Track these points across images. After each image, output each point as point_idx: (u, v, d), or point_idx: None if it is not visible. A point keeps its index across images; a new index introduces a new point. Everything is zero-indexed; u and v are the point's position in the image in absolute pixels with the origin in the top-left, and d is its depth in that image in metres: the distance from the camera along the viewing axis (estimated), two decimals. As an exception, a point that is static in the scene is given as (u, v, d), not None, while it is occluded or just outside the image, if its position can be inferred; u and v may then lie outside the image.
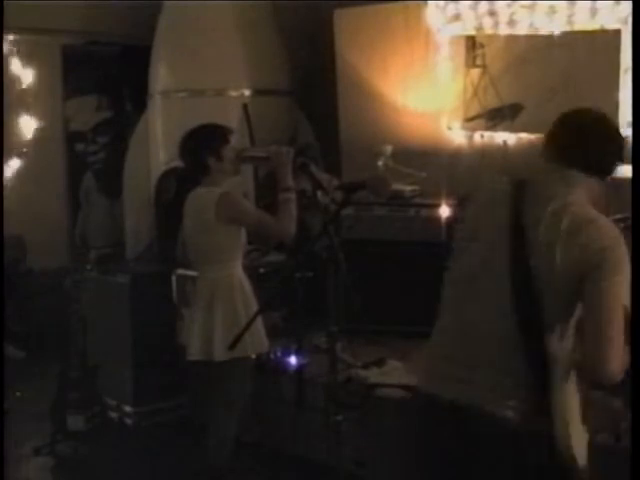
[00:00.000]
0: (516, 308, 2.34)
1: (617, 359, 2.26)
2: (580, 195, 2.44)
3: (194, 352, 3.91)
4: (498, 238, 2.43)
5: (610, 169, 2.55)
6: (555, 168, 2.49)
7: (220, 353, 3.80)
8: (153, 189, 7.01)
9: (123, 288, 5.59)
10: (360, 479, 4.19)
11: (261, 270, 5.31)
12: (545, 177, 2.50)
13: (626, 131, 5.33)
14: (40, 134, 7.73)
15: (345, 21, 6.98)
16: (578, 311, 2.34)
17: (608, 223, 2.38)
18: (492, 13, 6.00)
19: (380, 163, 6.09)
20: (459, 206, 5.83)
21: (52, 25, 7.52)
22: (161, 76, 6.92)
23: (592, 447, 3.91)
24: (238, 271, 3.97)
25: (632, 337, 2.72)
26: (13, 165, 7.61)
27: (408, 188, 5.91)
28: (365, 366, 4.96)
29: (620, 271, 2.27)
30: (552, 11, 5.69)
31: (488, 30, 6.09)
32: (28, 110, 7.67)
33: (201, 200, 3.92)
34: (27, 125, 7.68)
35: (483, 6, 6.04)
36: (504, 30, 5.99)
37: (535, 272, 2.33)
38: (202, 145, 3.98)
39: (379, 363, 5.02)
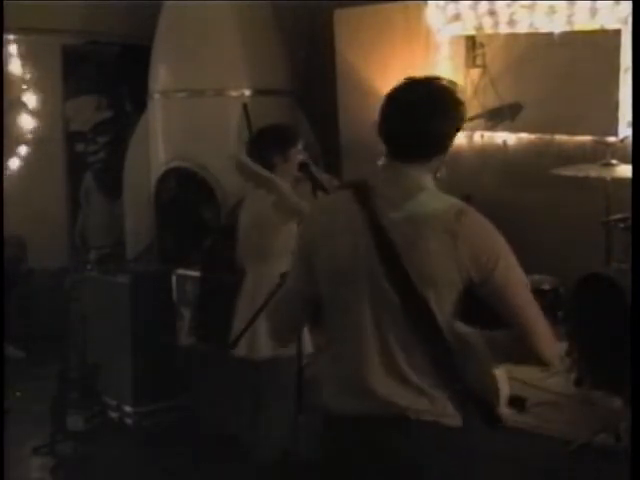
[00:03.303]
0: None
1: None
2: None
3: (238, 348, 3.91)
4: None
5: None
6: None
7: (265, 350, 3.84)
8: (153, 189, 7.01)
9: (123, 288, 5.59)
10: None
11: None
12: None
13: (626, 131, 5.35)
14: (40, 134, 7.74)
15: (345, 21, 6.98)
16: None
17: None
18: (492, 13, 6.00)
19: (380, 163, 6.09)
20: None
21: (52, 25, 7.51)
22: (161, 76, 6.92)
23: (592, 447, 3.94)
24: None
25: (632, 337, 2.73)
26: (13, 165, 7.62)
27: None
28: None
29: None
30: (552, 11, 5.69)
31: (488, 30, 6.09)
32: (28, 110, 7.67)
33: (264, 200, 3.97)
34: (27, 125, 7.68)
35: (483, 6, 6.04)
36: (504, 30, 5.99)
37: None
38: (271, 144, 4.04)
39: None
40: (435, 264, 2.21)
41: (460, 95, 2.34)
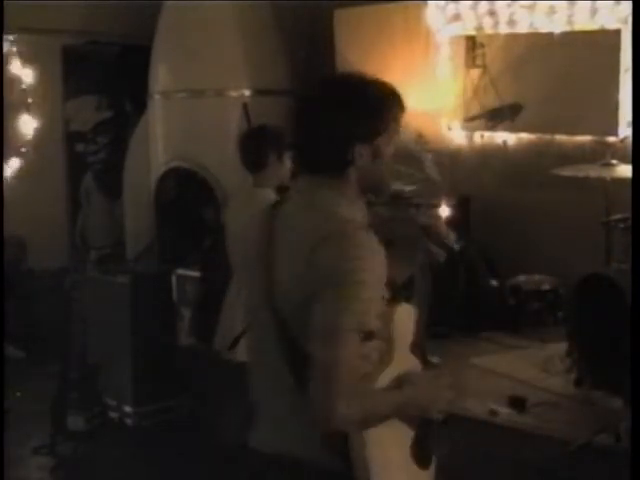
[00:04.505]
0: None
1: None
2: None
3: (240, 353, 3.89)
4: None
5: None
6: None
7: None
8: (153, 189, 7.01)
9: (123, 288, 5.59)
10: None
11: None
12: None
13: (626, 131, 5.35)
14: (40, 134, 7.73)
15: (345, 21, 6.99)
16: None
17: None
18: (492, 13, 6.00)
19: (380, 163, 6.09)
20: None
21: (52, 25, 7.51)
22: (161, 76, 6.93)
23: (592, 447, 3.94)
24: None
25: (632, 337, 2.73)
26: (13, 165, 7.61)
27: (408, 188, 5.91)
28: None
29: None
30: (552, 11, 5.69)
31: (488, 30, 6.10)
32: (28, 110, 7.67)
33: (258, 202, 3.95)
34: (27, 125, 7.68)
35: (483, 6, 6.05)
36: (504, 30, 6.00)
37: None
38: (268, 142, 4.01)
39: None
40: (292, 284, 1.96)
41: (373, 88, 1.96)
